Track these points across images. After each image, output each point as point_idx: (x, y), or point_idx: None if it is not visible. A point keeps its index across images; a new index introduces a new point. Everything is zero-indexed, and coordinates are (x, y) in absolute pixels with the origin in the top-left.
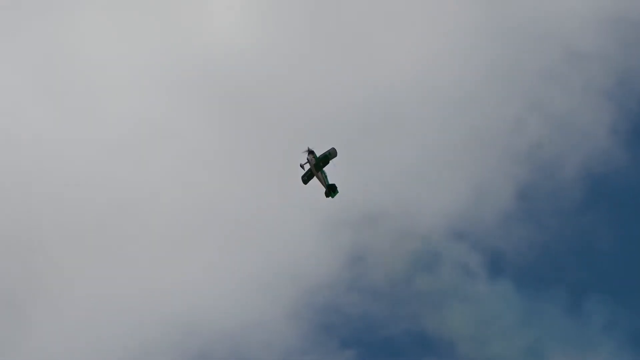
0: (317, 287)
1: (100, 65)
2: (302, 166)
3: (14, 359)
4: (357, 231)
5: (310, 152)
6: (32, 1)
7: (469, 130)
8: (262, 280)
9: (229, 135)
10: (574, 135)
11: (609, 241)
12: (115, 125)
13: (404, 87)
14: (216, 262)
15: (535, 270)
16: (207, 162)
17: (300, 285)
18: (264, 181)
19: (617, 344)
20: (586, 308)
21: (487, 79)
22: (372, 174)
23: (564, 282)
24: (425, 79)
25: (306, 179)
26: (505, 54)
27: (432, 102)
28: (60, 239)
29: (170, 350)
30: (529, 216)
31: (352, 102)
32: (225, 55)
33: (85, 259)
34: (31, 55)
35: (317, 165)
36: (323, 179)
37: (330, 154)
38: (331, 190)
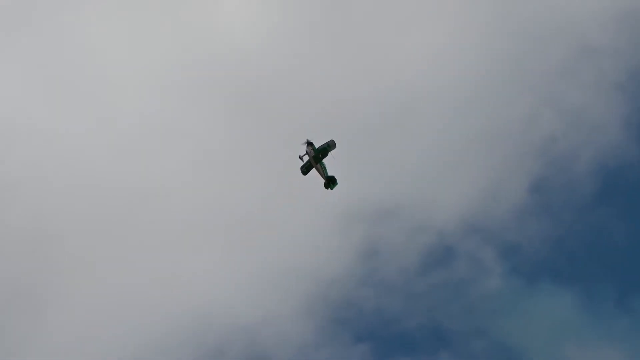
0: (331, 281)
1: (110, 64)
2: (301, 158)
3: (31, 352)
4: (370, 226)
5: (309, 143)
6: (43, 1)
7: (483, 125)
8: (276, 275)
9: (241, 133)
10: (587, 130)
11: (622, 235)
12: (125, 124)
13: (417, 81)
14: (230, 257)
15: (549, 264)
16: (221, 159)
17: (314, 280)
18: (277, 177)
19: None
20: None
21: (500, 74)
22: (386, 169)
23: (577, 276)
24: (439, 74)
25: (305, 170)
26: (518, 49)
27: (445, 97)
28: (74, 235)
29: (186, 345)
30: (543, 210)
31: (366, 98)
32: (233, 54)
33: (99, 255)
34: (43, 54)
35: (316, 157)
36: (322, 171)
37: (330, 146)
38: (330, 182)
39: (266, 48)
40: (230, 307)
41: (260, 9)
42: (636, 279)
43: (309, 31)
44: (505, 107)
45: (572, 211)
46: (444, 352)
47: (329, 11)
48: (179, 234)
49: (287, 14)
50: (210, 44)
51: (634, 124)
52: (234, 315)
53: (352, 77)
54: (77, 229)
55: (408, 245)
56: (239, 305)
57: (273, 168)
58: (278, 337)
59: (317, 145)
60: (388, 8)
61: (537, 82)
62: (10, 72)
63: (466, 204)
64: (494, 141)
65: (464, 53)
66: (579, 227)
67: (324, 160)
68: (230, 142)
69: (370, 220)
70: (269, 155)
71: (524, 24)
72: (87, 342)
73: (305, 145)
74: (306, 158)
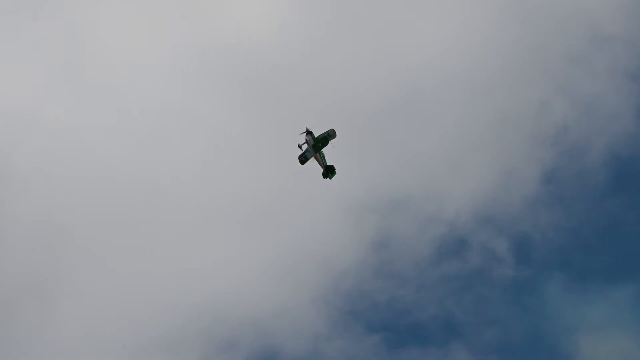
0: (343, 273)
1: (124, 53)
2: (299, 146)
3: (41, 345)
4: (382, 217)
5: (309, 132)
6: None
7: (494, 114)
8: (289, 267)
9: (253, 122)
10: (600, 119)
11: (635, 224)
12: (140, 113)
13: (428, 70)
14: (242, 248)
15: (563, 255)
16: (233, 148)
17: (327, 271)
18: (289, 167)
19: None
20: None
21: (512, 62)
22: (397, 159)
23: (590, 266)
24: (449, 63)
25: (303, 159)
26: (530, 36)
27: (456, 86)
28: (86, 226)
29: (198, 336)
30: (555, 200)
31: (376, 87)
32: (248, 41)
33: (111, 246)
34: (57, 44)
35: (315, 146)
36: (321, 160)
37: (330, 135)
38: (329, 172)
39: (281, 37)
40: (242, 299)
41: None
42: None
43: (322, 20)
44: (517, 97)
45: (585, 201)
46: (456, 343)
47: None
48: (191, 226)
49: (300, 3)
50: (226, 33)
51: None
52: (246, 307)
53: (364, 66)
54: (89, 221)
55: (420, 236)
56: (251, 297)
57: (286, 159)
58: (290, 328)
59: (316, 134)
60: None
61: (549, 71)
62: (25, 63)
63: (478, 195)
64: (506, 131)
65: (476, 42)
66: (591, 217)
67: (324, 149)
68: (243, 131)
69: (382, 211)
70: (282, 144)
71: (536, 12)
72: (98, 335)
73: (305, 134)
74: (305, 147)
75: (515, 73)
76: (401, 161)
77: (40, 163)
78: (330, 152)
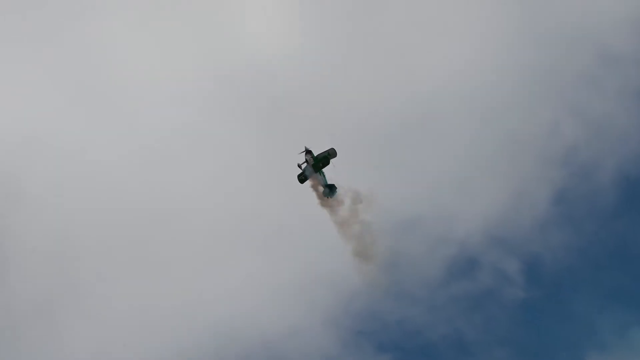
0: (353, 293)
1: (137, 73)
2: (299, 166)
3: None
4: (393, 237)
5: (308, 151)
6: (70, 11)
7: (505, 135)
8: (299, 288)
9: (266, 142)
10: (610, 139)
11: None
12: (153, 133)
13: (439, 92)
14: (254, 269)
15: (573, 275)
16: (245, 169)
17: (337, 292)
18: (301, 188)
19: None
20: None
21: (522, 83)
22: (408, 179)
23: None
24: (461, 84)
25: (303, 178)
26: (540, 58)
27: (467, 107)
28: (97, 247)
29: (210, 358)
30: (566, 220)
31: (387, 109)
32: (262, 62)
33: (122, 267)
34: (70, 67)
35: (316, 165)
36: (321, 179)
37: (330, 154)
38: (330, 190)
39: (296, 55)
40: (253, 320)
41: (289, 21)
42: None
43: (337, 39)
44: (528, 118)
45: (595, 221)
46: None
47: (357, 18)
48: (203, 248)
49: (317, 21)
50: (239, 52)
51: None
52: (257, 328)
53: (377, 88)
54: (100, 243)
55: (430, 257)
56: (262, 318)
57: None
58: (301, 349)
59: (316, 154)
60: (412, 19)
61: (559, 92)
62: (38, 86)
63: (489, 215)
64: (516, 152)
65: (486, 64)
66: (602, 237)
67: (324, 169)
68: (255, 152)
69: (392, 231)
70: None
71: (546, 33)
72: (110, 358)
73: (304, 153)
74: (304, 166)
75: (526, 94)
76: (412, 182)
77: (52, 186)
78: (340, 172)
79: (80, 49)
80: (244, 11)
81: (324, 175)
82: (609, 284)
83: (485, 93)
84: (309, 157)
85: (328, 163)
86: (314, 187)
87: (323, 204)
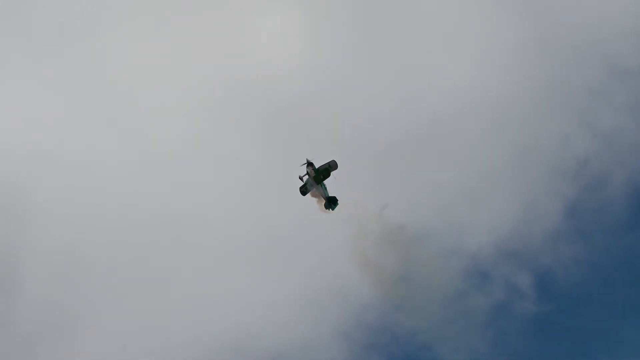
0: (364, 306)
1: (144, 84)
2: (301, 178)
3: None
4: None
5: (309, 164)
6: (78, 24)
7: (516, 148)
8: (310, 301)
9: (274, 156)
10: (621, 151)
11: None
12: (161, 145)
13: (449, 104)
14: (264, 282)
15: (585, 289)
16: (254, 180)
17: (348, 305)
18: (311, 200)
19: None
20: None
21: (533, 96)
22: (419, 192)
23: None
24: (471, 96)
25: (304, 190)
26: (550, 70)
27: (478, 120)
28: (106, 259)
29: None
30: (577, 233)
31: (397, 121)
32: (270, 74)
33: (131, 278)
34: (75, 76)
35: (317, 177)
36: (322, 191)
37: (331, 166)
38: (331, 203)
39: (304, 69)
40: (264, 333)
41: (297, 33)
42: None
43: (343, 55)
44: (538, 130)
45: (607, 234)
46: None
47: (366, 32)
48: (213, 261)
49: (326, 35)
50: (247, 65)
51: None
52: (268, 341)
53: (386, 99)
54: (109, 257)
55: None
56: (273, 331)
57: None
58: None
59: (317, 166)
60: (421, 31)
61: (570, 104)
62: (45, 100)
63: (500, 228)
64: (527, 164)
65: (497, 76)
66: (613, 251)
67: (325, 181)
68: (265, 167)
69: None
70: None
71: (557, 46)
72: None
73: (305, 165)
74: (306, 178)
75: (536, 106)
76: (423, 194)
77: (60, 198)
78: (349, 184)
79: (87, 62)
80: (254, 24)
81: (325, 188)
82: (620, 297)
83: (496, 105)
84: (310, 169)
85: (329, 175)
86: (315, 199)
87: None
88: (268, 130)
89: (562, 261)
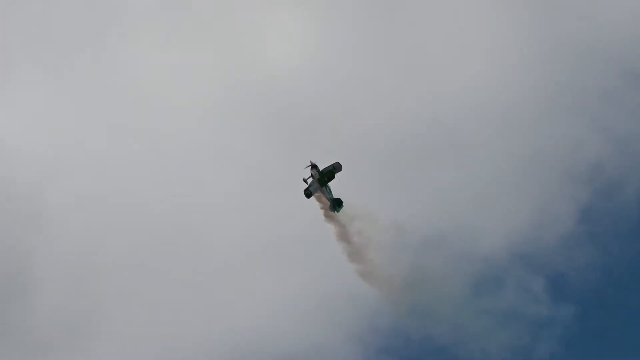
0: (377, 310)
1: (157, 90)
2: (305, 180)
3: None
4: (417, 254)
5: (314, 166)
6: (91, 31)
7: (528, 152)
8: (324, 304)
9: (286, 159)
10: (634, 155)
11: None
12: (175, 149)
13: (461, 108)
14: (276, 286)
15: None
16: (264, 184)
17: (361, 308)
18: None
19: None
20: None
21: (546, 100)
22: (432, 196)
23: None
24: (484, 101)
25: (309, 193)
26: (564, 74)
27: (490, 124)
28: (120, 267)
29: None
30: (591, 238)
31: (410, 125)
32: (282, 77)
33: (145, 284)
34: (90, 85)
35: (321, 179)
36: (327, 193)
37: (335, 168)
38: (336, 205)
39: (316, 71)
40: (276, 337)
41: (308, 36)
42: None
43: (358, 55)
44: (551, 134)
45: (620, 239)
46: None
47: (379, 35)
48: (225, 265)
49: (337, 37)
50: (258, 67)
51: None
52: (280, 344)
53: (395, 102)
54: (122, 262)
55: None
56: (286, 335)
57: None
58: None
59: (322, 168)
60: (435, 35)
61: (583, 108)
62: (59, 105)
63: (513, 232)
64: (540, 168)
65: (509, 79)
66: (627, 255)
67: (330, 183)
68: (276, 170)
69: (416, 248)
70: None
71: (571, 50)
72: None
73: (310, 167)
74: (310, 180)
75: (549, 110)
76: (435, 198)
77: (74, 204)
78: (361, 189)
79: (101, 69)
80: (263, 26)
81: (330, 190)
82: (634, 301)
83: (509, 108)
84: (314, 171)
85: (333, 177)
86: (320, 201)
87: (328, 220)
88: (278, 135)
89: (575, 265)
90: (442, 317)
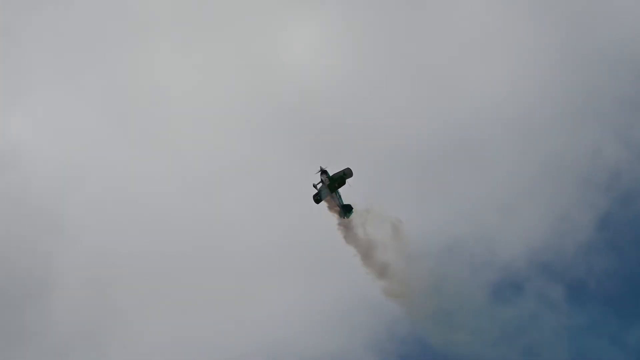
0: (397, 318)
1: (177, 101)
2: (315, 186)
3: None
4: (435, 262)
5: (323, 171)
6: (113, 42)
7: (548, 159)
8: (343, 312)
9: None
10: None
11: None
12: (194, 158)
13: (481, 116)
14: (296, 294)
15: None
16: (285, 195)
17: (380, 316)
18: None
19: None
20: None
21: (565, 107)
22: (451, 203)
23: None
24: (503, 108)
25: (318, 198)
26: (583, 81)
27: (509, 132)
28: (140, 276)
29: None
30: (610, 246)
31: (429, 133)
32: (305, 89)
33: (164, 294)
34: (112, 95)
35: (331, 185)
36: (337, 199)
37: (346, 174)
38: (346, 211)
39: (338, 82)
40: (296, 345)
41: (333, 43)
42: None
43: (377, 68)
44: (570, 142)
45: (639, 246)
46: None
47: (399, 44)
48: (245, 274)
49: (358, 47)
50: (280, 79)
51: None
52: (300, 353)
53: (418, 111)
54: (141, 270)
55: (473, 281)
56: (306, 343)
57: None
58: None
59: (332, 173)
60: (453, 42)
61: (602, 115)
62: (78, 112)
63: (532, 240)
64: (559, 176)
65: (528, 88)
66: None
67: (340, 189)
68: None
69: (435, 255)
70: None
71: (589, 57)
72: None
73: (320, 173)
74: (320, 186)
75: (568, 118)
76: (454, 206)
77: (92, 213)
78: (381, 196)
79: (124, 81)
80: (285, 38)
81: (340, 196)
82: None
83: (528, 116)
84: (324, 177)
85: (344, 183)
86: (331, 207)
87: (341, 226)
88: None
89: (595, 273)
90: (461, 325)
